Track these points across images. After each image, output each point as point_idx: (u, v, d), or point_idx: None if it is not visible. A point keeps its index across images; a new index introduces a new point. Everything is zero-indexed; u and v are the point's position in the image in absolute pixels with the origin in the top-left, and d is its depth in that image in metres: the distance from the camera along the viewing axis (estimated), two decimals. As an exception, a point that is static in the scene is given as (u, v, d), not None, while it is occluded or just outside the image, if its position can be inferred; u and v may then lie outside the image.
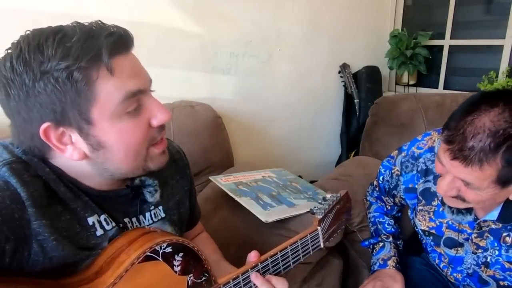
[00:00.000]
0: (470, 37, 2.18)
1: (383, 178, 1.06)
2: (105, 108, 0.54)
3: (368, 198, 1.17)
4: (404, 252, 1.07)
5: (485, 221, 0.83)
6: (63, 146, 0.56)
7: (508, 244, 0.81)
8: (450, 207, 0.84)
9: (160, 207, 0.73)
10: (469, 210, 0.83)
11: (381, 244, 1.05)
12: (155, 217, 0.72)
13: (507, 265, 0.83)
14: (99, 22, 0.56)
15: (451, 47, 2.27)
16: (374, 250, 1.05)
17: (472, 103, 0.68)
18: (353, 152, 2.24)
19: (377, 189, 1.12)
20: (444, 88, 2.32)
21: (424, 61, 2.23)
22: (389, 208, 1.11)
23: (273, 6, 1.88)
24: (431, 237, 0.95)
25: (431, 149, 0.91)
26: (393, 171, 1.02)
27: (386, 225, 1.08)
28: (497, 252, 0.84)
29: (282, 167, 1.50)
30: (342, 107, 2.31)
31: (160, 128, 0.62)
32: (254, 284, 0.69)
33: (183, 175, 0.81)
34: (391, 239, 1.05)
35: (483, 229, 0.84)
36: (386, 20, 2.44)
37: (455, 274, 0.95)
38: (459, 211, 0.83)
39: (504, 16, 1.99)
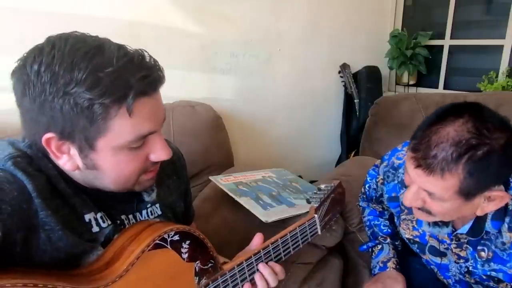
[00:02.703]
0: (470, 37, 2.19)
1: (369, 187, 1.06)
2: (112, 141, 0.56)
3: (360, 204, 1.16)
4: (402, 252, 1.07)
5: (461, 233, 0.82)
6: (60, 154, 0.57)
7: (483, 259, 0.80)
8: None
9: (157, 205, 0.75)
10: (445, 223, 0.82)
11: (379, 246, 1.04)
12: (152, 214, 0.73)
13: (484, 276, 0.82)
14: (141, 54, 0.56)
15: (451, 47, 2.27)
16: (373, 253, 1.05)
17: (440, 114, 0.68)
18: (353, 152, 2.24)
19: (364, 196, 1.11)
20: (444, 88, 2.33)
21: (424, 61, 2.23)
22: (381, 211, 1.11)
23: (273, 6, 1.88)
24: (416, 245, 0.94)
25: None
26: (378, 180, 1.01)
27: (382, 227, 1.07)
28: (474, 264, 0.83)
29: (282, 167, 1.50)
30: (342, 107, 2.31)
31: (156, 162, 0.64)
32: (257, 269, 0.73)
33: (179, 176, 0.82)
34: (388, 240, 1.04)
35: (461, 240, 0.83)
36: (386, 20, 2.44)
37: (445, 280, 0.95)
38: (435, 223, 0.82)
39: (504, 16, 1.99)
